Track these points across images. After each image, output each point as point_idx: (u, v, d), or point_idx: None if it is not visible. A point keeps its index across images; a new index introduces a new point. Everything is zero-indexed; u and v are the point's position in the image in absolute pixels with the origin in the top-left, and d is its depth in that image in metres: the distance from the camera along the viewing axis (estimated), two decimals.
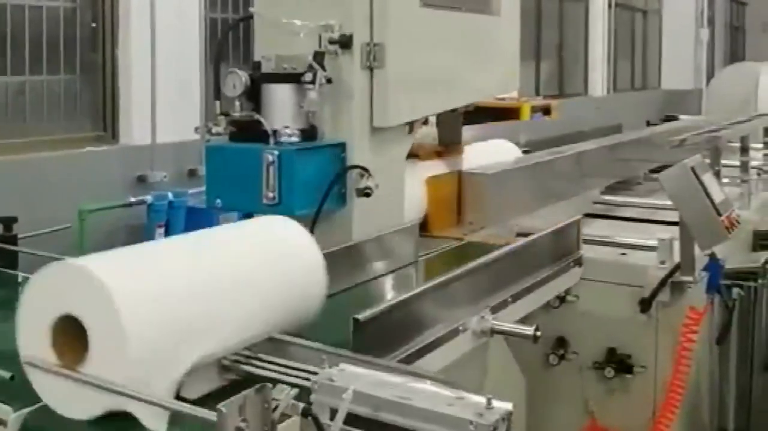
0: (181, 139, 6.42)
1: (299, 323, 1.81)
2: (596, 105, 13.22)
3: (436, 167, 3.27)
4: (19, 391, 1.59)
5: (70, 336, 1.50)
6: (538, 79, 12.64)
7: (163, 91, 6.38)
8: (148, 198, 5.65)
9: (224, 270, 1.69)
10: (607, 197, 4.10)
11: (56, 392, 1.51)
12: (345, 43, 2.61)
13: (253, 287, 1.71)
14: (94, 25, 6.35)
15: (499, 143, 3.99)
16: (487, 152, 3.69)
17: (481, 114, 3.59)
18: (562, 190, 3.80)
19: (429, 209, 3.12)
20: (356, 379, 1.45)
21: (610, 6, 14.49)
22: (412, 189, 3.01)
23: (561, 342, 3.07)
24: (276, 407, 1.34)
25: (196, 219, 5.49)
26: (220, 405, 1.25)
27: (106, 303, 1.44)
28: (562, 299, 2.89)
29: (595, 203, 3.97)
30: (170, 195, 5.68)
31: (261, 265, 1.77)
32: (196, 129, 4.06)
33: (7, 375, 1.58)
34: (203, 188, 5.74)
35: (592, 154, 4.32)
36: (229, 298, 1.65)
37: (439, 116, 3.35)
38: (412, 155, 3.08)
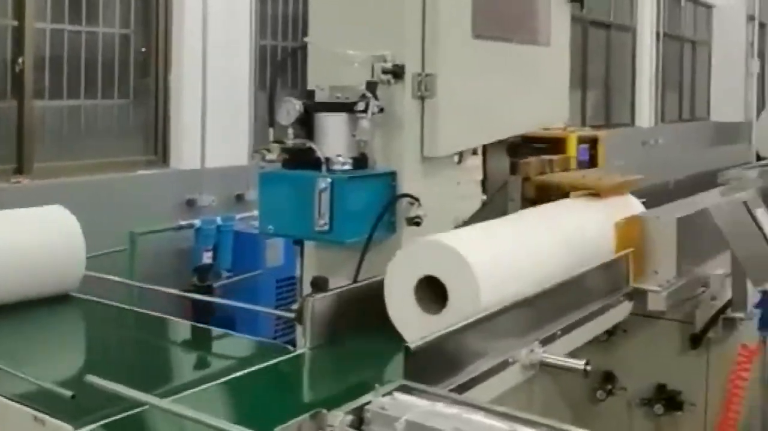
0: (229, 164, 6.52)
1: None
2: (642, 138, 13.09)
3: (618, 205, 2.98)
4: (79, 410, 1.62)
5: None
6: (584, 109, 12.56)
7: (213, 117, 6.48)
8: (197, 222, 5.69)
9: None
10: None
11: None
12: (397, 72, 2.64)
13: None
14: (143, 49, 6.47)
15: None
16: None
17: (527, 144, 3.56)
18: None
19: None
20: (409, 408, 1.46)
21: (658, 37, 14.38)
22: (603, 230, 2.77)
23: (608, 377, 3.03)
24: None
25: (243, 244, 5.54)
26: (277, 429, 1.27)
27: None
28: (610, 332, 2.86)
29: None
30: (218, 219, 5.73)
31: None
32: (252, 155, 4.10)
33: (68, 394, 1.61)
34: (251, 213, 5.87)
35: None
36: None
37: (486, 147, 3.36)
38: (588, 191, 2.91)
